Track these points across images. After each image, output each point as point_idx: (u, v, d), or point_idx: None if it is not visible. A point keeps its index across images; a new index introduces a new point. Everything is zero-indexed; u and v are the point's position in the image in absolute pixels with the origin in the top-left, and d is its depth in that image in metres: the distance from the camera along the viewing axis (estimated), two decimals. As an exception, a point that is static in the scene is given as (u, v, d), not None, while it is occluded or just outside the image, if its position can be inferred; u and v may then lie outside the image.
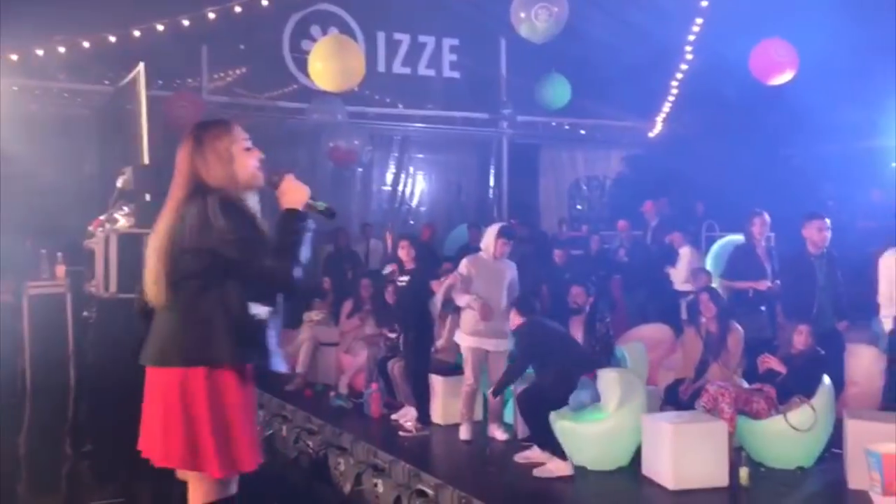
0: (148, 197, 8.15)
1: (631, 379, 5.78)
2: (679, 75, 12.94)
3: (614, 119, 13.60)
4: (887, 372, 6.37)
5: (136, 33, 10.34)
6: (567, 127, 13.72)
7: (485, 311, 6.25)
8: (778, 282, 6.77)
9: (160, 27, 10.45)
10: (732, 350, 6.04)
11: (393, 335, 7.22)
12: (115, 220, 8.64)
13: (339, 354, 8.22)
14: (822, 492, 5.23)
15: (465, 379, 6.43)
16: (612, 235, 11.42)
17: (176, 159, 3.11)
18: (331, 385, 8.04)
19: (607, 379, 5.72)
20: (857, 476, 4.88)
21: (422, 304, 6.89)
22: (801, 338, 5.74)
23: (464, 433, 6.33)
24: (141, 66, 8.97)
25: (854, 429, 5.08)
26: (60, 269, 9.37)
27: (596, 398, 5.69)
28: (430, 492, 5.02)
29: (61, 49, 10.15)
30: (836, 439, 5.42)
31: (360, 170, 12.65)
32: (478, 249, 10.97)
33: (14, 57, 9.93)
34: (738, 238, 10.10)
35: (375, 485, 5.42)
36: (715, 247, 10.25)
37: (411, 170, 13.25)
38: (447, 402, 6.76)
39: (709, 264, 10.11)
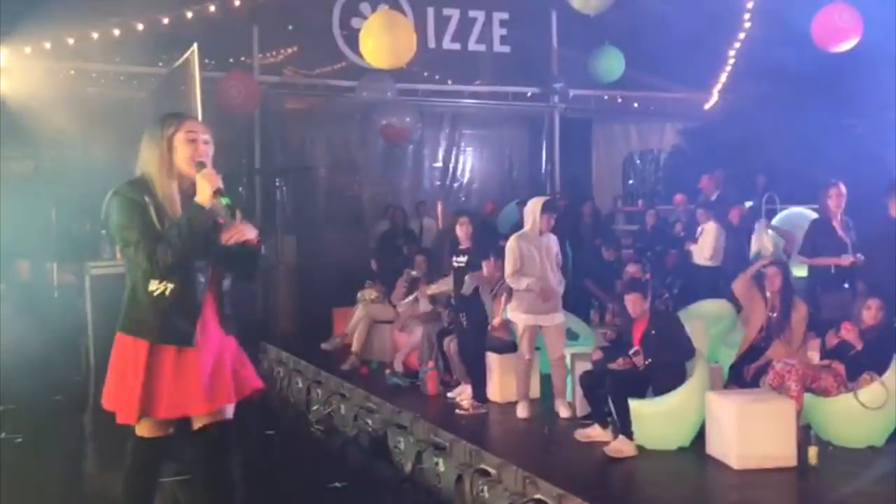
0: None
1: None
2: (737, 44, 12.61)
3: (668, 91, 13.32)
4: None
5: (189, 14, 10.40)
6: (620, 100, 13.47)
7: (545, 294, 6.21)
8: (860, 256, 6.52)
9: (212, 8, 10.49)
10: (795, 328, 5.90)
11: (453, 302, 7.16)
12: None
13: (393, 332, 8.23)
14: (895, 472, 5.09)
15: (519, 355, 6.39)
16: (668, 210, 11.23)
17: None
18: (386, 363, 8.07)
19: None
20: (934, 456, 4.74)
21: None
22: (870, 312, 5.59)
23: (521, 411, 6.30)
24: (194, 47, 9.01)
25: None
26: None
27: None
28: (492, 471, 4.99)
29: (116, 31, 10.25)
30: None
31: (411, 147, 12.61)
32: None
33: (71, 41, 10.06)
34: (800, 210, 9.91)
35: (437, 463, 5.42)
36: (776, 220, 10.04)
37: (462, 146, 13.17)
38: (503, 380, 6.72)
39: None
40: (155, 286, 3.37)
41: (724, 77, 13.15)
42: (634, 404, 5.37)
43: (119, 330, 3.46)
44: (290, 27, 11.75)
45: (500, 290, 7.02)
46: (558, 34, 12.81)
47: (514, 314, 6.42)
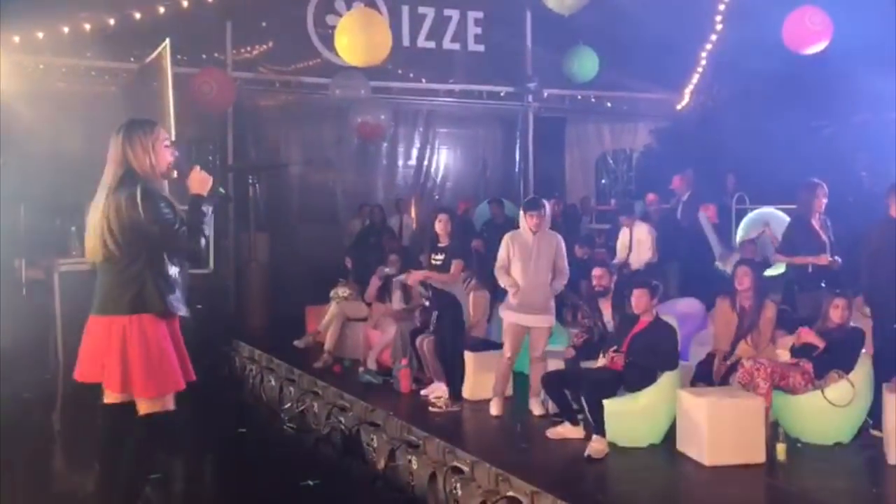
0: (175, 174, 8.17)
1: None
2: (709, 46, 12.73)
3: (641, 91, 13.42)
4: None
5: (161, 9, 10.30)
6: (593, 100, 13.54)
7: (525, 295, 6.22)
8: (838, 258, 6.52)
9: (185, 3, 10.40)
10: (763, 328, 5.94)
11: (427, 303, 7.17)
12: (144, 198, 8.68)
13: (367, 330, 8.22)
14: (862, 468, 5.19)
15: (503, 353, 6.41)
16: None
17: (109, 150, 3.92)
18: (359, 361, 8.06)
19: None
20: (899, 452, 4.82)
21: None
22: (837, 311, 5.66)
23: (494, 408, 6.32)
24: (166, 43, 8.96)
25: (895, 403, 5.01)
26: (90, 247, 9.42)
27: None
28: (465, 468, 5.01)
29: (87, 26, 10.13)
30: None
31: (385, 145, 12.60)
32: (500, 225, 11.01)
33: (40, 35, 9.93)
34: (770, 210, 10.03)
35: (410, 461, 5.42)
36: (745, 219, 10.16)
37: (436, 145, 13.18)
38: (477, 377, 6.74)
39: (739, 237, 10.05)
40: (173, 268, 3.88)
41: (695, 78, 13.27)
42: (606, 403, 5.41)
43: (147, 312, 3.79)
44: (264, 23, 11.68)
45: (469, 289, 7.06)
46: (533, 34, 12.86)
47: (503, 311, 6.44)
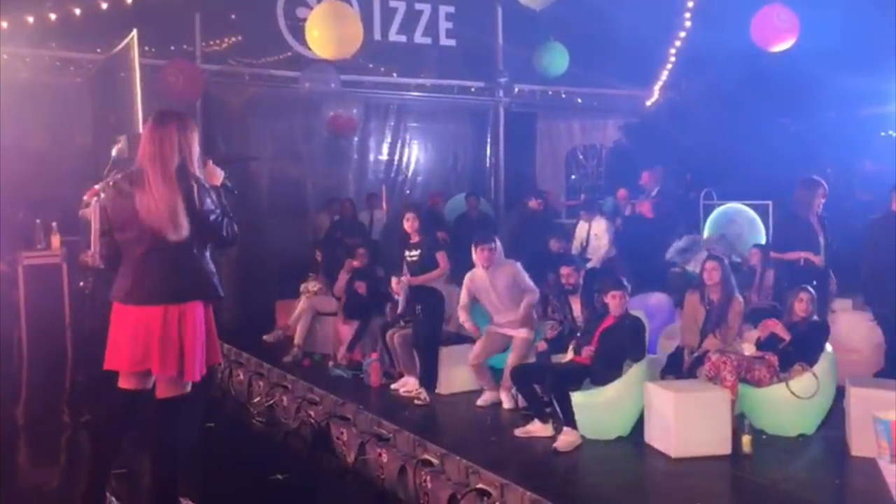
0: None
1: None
2: (677, 43, 12.82)
3: (611, 87, 13.48)
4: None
5: (128, 0, 10.16)
6: (564, 95, 13.58)
7: (476, 335, 6.49)
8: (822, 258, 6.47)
9: (152, -7, 10.27)
10: (731, 323, 6.01)
11: (398, 297, 7.17)
12: (111, 190, 8.57)
13: (337, 324, 8.19)
14: (825, 458, 5.28)
15: (472, 354, 6.45)
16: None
17: (158, 137, 4.02)
18: (329, 355, 8.03)
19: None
20: (861, 443, 4.91)
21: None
22: (801, 305, 5.74)
23: (482, 399, 6.41)
24: (134, 34, 8.83)
25: (857, 396, 5.10)
26: (56, 240, 9.29)
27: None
28: (435, 461, 5.02)
29: (52, 16, 9.97)
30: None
31: (355, 139, 12.55)
32: (475, 219, 11.02)
33: (4, 24, 9.76)
34: (737, 206, 10.16)
35: (380, 455, 5.42)
36: (712, 215, 10.28)
37: (407, 139, 13.13)
38: (448, 371, 6.77)
39: (706, 232, 10.15)
40: (207, 255, 4.17)
41: (664, 75, 13.36)
42: (574, 396, 5.45)
43: (195, 299, 4.07)
44: (234, 15, 11.55)
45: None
46: (504, 29, 12.86)
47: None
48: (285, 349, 8.20)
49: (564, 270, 6.63)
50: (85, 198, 8.95)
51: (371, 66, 12.30)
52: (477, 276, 6.48)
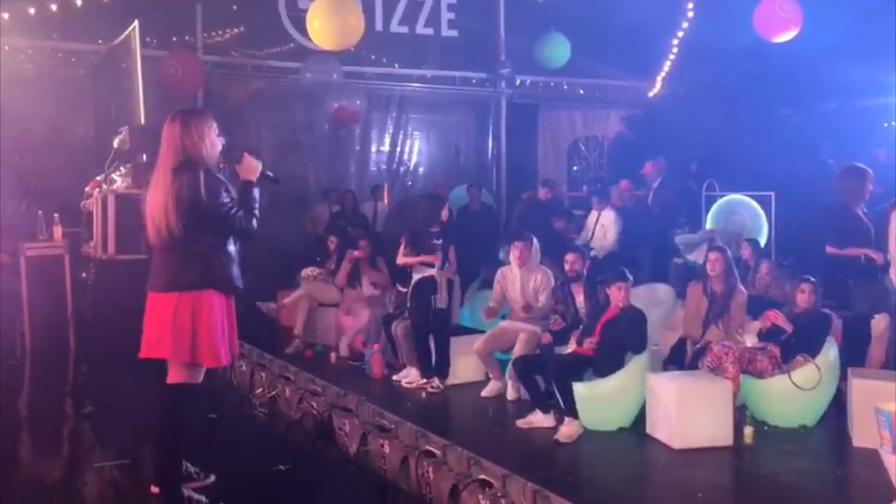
0: (144, 157, 8.07)
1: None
2: (680, 34, 12.79)
3: (613, 79, 13.47)
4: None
5: (130, -9, 10.15)
6: (566, 87, 13.57)
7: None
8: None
9: (154, -16, 10.25)
10: (734, 314, 6.01)
11: (404, 290, 7.16)
12: (113, 181, 8.57)
13: (339, 315, 8.20)
14: (827, 450, 5.28)
15: (480, 340, 6.51)
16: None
17: (163, 136, 4.25)
18: (331, 346, 8.04)
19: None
20: (863, 434, 4.91)
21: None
22: (804, 296, 5.74)
23: (486, 390, 6.44)
24: (135, 24, 8.83)
25: (859, 387, 5.10)
26: (58, 231, 9.28)
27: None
28: (437, 452, 5.02)
29: (53, 7, 9.96)
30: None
31: (357, 131, 12.54)
32: (476, 211, 11.01)
33: (6, 15, 9.75)
34: (739, 197, 10.14)
35: (382, 445, 5.43)
36: (714, 206, 10.25)
37: (409, 130, 13.12)
38: (452, 361, 6.76)
39: (709, 224, 10.13)
40: (231, 246, 4.31)
41: (667, 66, 13.33)
42: (577, 387, 5.46)
43: (206, 288, 4.19)
44: (235, 7, 11.54)
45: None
46: (506, 19, 12.83)
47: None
48: (287, 340, 8.22)
49: (570, 257, 6.62)
50: (87, 189, 9.01)
51: (373, 57, 12.30)
52: (510, 273, 6.57)
